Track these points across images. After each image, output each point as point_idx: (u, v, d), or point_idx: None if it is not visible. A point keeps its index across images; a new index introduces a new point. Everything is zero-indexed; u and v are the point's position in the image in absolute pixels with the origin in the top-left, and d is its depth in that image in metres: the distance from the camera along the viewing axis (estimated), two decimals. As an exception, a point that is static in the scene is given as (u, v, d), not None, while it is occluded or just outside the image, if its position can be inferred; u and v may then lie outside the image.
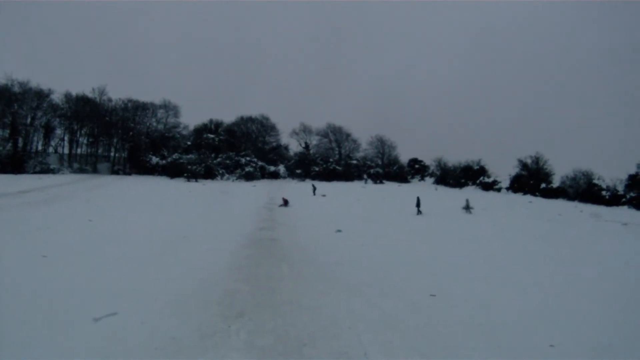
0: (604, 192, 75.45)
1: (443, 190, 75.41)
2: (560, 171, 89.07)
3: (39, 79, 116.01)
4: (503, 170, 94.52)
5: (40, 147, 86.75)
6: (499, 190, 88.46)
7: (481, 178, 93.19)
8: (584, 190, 78.31)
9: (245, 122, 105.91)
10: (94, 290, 13.93)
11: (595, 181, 79.11)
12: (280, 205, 43.10)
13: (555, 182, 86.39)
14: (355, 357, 9.93)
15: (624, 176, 77.34)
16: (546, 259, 23.33)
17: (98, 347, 9.78)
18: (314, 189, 64.24)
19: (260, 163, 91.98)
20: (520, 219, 42.94)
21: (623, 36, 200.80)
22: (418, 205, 44.61)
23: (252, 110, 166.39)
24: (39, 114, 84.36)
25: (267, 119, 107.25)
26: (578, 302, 15.03)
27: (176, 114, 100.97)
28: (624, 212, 58.91)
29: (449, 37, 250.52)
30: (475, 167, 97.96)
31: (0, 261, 17.11)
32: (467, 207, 47.65)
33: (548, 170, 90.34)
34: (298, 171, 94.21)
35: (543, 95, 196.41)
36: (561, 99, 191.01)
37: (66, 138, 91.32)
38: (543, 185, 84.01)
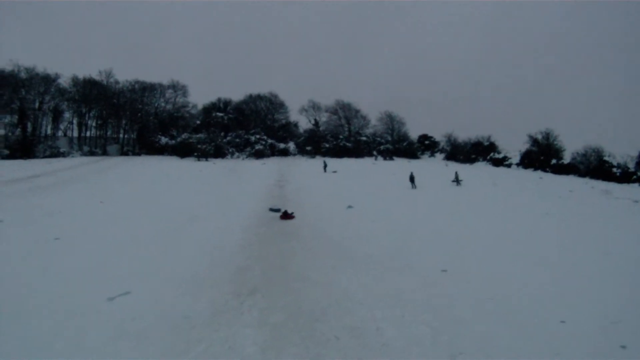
0: (614, 169, 74.36)
1: (454, 166, 74.94)
2: (570, 147, 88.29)
3: (45, 64, 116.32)
4: (513, 146, 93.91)
5: (49, 131, 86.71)
6: (509, 166, 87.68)
7: (491, 154, 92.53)
8: (595, 166, 77.39)
9: (253, 100, 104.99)
10: (107, 271, 14.09)
11: (606, 158, 77.98)
12: (279, 214, 27.18)
13: (566, 159, 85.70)
14: (367, 331, 9.97)
15: (634, 153, 76.64)
16: (557, 235, 23.25)
17: (113, 325, 9.87)
18: (325, 165, 63.82)
19: (269, 141, 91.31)
20: (531, 195, 42.80)
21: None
22: (412, 180, 45.46)
23: (261, 88, 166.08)
24: (47, 98, 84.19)
25: (275, 96, 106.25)
26: (589, 278, 15.01)
27: (184, 93, 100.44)
28: (634, 190, 58.20)
29: (457, 12, 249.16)
30: (486, 143, 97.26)
31: (14, 245, 17.25)
32: (457, 180, 48.82)
33: (559, 146, 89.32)
34: (308, 148, 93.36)
35: (553, 69, 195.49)
36: (571, 73, 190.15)
37: (75, 121, 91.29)
38: (554, 161, 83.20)
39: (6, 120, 78.05)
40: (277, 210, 27.03)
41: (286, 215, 26.00)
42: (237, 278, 13.87)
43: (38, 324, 9.87)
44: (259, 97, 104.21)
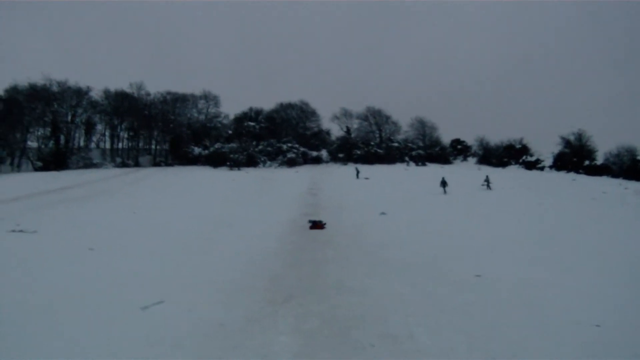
0: (648, 169, 74.05)
1: (486, 170, 74.21)
2: (603, 147, 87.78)
3: (76, 78, 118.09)
4: (545, 148, 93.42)
5: (82, 143, 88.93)
6: (542, 168, 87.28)
7: (524, 157, 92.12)
8: (628, 167, 76.85)
9: (284, 108, 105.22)
10: (141, 280, 14.19)
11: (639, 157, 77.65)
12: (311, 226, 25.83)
13: (599, 159, 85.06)
14: (402, 338, 9.93)
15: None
16: (591, 238, 22.98)
17: (148, 334, 9.92)
18: (357, 172, 63.76)
19: (302, 149, 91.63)
20: (564, 198, 42.49)
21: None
22: (443, 185, 45.67)
23: (291, 96, 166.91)
24: (79, 111, 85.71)
25: (306, 104, 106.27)
26: (625, 283, 14.86)
27: (216, 103, 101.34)
28: (670, 190, 57.63)
29: (489, 13, 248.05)
30: (518, 146, 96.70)
31: (49, 256, 17.38)
32: (487, 184, 49.01)
33: (591, 147, 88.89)
34: (340, 155, 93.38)
35: (583, 68, 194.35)
36: (601, 72, 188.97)
37: (107, 133, 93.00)
38: (587, 162, 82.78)
39: (39, 133, 79.44)
40: (318, 222, 26.04)
41: (316, 225, 25.22)
42: (271, 286, 13.94)
43: (74, 332, 9.97)
44: (290, 106, 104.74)
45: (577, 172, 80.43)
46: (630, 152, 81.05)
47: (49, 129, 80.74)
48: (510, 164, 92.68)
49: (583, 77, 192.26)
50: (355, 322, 10.80)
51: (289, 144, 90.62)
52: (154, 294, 12.53)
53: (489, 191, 46.58)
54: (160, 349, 9.28)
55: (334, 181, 56.69)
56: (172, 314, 11.24)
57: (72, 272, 15.16)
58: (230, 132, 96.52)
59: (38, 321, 10.60)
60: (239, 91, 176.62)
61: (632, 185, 60.12)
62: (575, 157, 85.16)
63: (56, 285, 13.52)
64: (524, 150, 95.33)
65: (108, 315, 11.07)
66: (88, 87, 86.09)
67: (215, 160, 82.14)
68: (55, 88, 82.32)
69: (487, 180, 49.12)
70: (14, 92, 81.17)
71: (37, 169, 71.85)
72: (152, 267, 16.08)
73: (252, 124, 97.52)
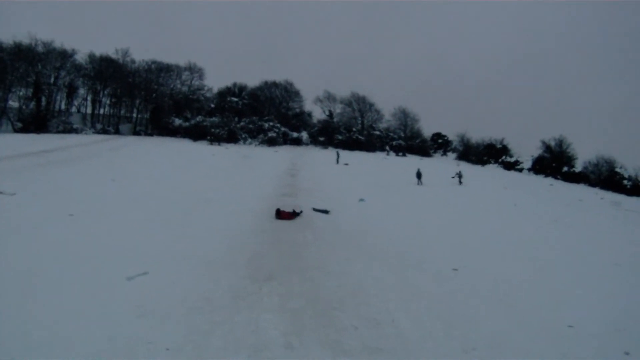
0: (625, 181, 74.84)
1: (465, 166, 74.59)
2: (583, 156, 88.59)
3: (62, 39, 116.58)
4: (526, 150, 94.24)
5: (63, 107, 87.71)
6: (520, 170, 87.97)
7: (503, 157, 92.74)
8: (606, 177, 77.84)
9: (269, 87, 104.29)
10: (122, 250, 14.23)
11: (618, 169, 78.41)
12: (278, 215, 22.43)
13: (578, 167, 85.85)
14: (383, 322, 10.24)
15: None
16: (566, 242, 23.40)
17: (136, 305, 10.07)
18: (338, 156, 63.62)
19: (283, 129, 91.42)
20: (541, 201, 42.95)
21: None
22: (419, 176, 46.36)
23: (277, 75, 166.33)
24: (63, 73, 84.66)
25: (291, 84, 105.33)
26: (597, 287, 15.27)
27: (201, 76, 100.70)
28: (645, 203, 58.26)
29: (479, 12, 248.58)
30: (498, 146, 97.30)
31: (28, 219, 17.35)
32: (459, 178, 49.73)
33: (571, 154, 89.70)
34: (321, 139, 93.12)
35: (572, 77, 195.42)
36: (589, 84, 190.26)
37: (89, 98, 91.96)
38: (565, 168, 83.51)
39: (21, 93, 78.26)
40: (324, 211, 24.64)
41: (280, 214, 22.20)
42: (252, 263, 14.07)
43: (61, 301, 10.03)
44: (275, 85, 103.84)
45: (555, 177, 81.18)
46: (609, 163, 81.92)
47: (31, 90, 79.32)
48: (490, 162, 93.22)
49: (572, 85, 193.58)
50: (337, 304, 11.08)
51: (271, 123, 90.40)
52: (137, 265, 12.66)
53: (463, 187, 46.94)
54: (150, 321, 9.42)
55: (314, 164, 56.74)
56: (157, 285, 11.39)
57: (54, 237, 15.21)
58: (212, 106, 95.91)
59: (24, 287, 10.69)
60: (225, 65, 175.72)
61: (609, 195, 60.77)
62: (554, 162, 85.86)
63: (37, 249, 13.58)
64: (504, 150, 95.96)
65: (94, 283, 11.20)
66: (73, 50, 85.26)
67: (196, 134, 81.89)
68: (40, 48, 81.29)
69: (459, 175, 49.95)
70: (-3, 49, 79.46)
71: (16, 130, 70.83)
72: (132, 237, 16.16)
73: (235, 99, 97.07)
